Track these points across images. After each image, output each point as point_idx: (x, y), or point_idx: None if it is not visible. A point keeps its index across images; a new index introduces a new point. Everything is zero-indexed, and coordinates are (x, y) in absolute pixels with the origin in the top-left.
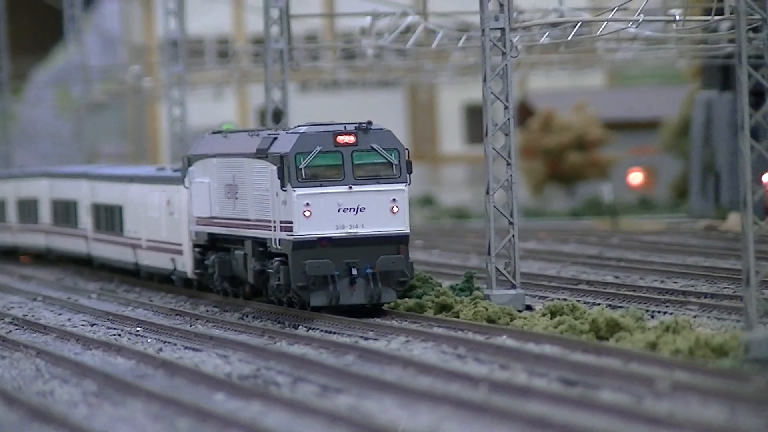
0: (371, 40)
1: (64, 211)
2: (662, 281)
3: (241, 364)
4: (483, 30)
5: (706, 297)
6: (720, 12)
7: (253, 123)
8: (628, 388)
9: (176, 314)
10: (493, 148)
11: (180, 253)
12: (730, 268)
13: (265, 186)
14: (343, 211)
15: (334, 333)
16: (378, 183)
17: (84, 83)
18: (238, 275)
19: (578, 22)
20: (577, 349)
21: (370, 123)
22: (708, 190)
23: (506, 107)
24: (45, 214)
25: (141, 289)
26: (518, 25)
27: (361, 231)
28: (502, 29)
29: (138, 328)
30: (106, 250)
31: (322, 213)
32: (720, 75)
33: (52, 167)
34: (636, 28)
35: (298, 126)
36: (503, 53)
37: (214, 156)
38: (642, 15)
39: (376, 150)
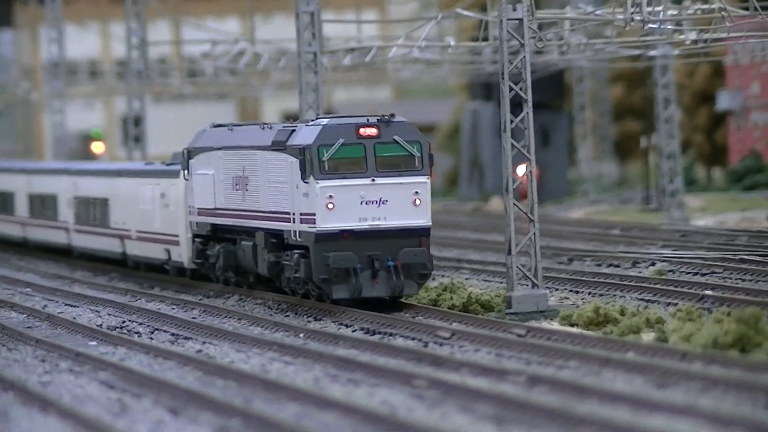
0: (210, 62)
1: (43, 205)
2: (440, 251)
3: (110, 317)
4: (299, 53)
5: (475, 263)
6: (485, 39)
7: (118, 128)
8: (416, 335)
9: (58, 278)
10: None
11: (176, 243)
12: (493, 240)
13: (282, 178)
14: (366, 203)
15: (182, 293)
16: (400, 175)
17: None
18: (245, 266)
19: (373, 47)
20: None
21: (392, 115)
22: (474, 179)
23: (318, 115)
24: (22, 207)
25: (30, 258)
26: (326, 50)
27: (384, 224)
28: (315, 53)
29: (27, 289)
30: (89, 241)
31: (345, 205)
32: (484, 89)
33: (30, 164)
34: (418, 52)
35: (318, 118)
36: (315, 72)
37: (219, 148)
38: (423, 42)
39: (398, 142)
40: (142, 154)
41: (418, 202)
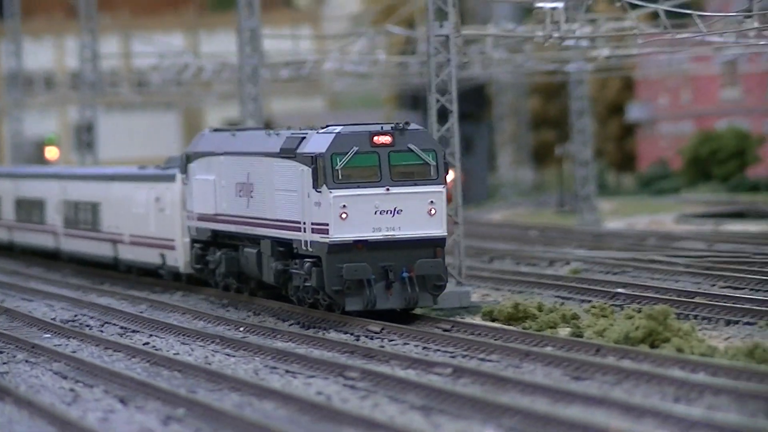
0: (157, 73)
1: (30, 209)
2: None
3: (63, 311)
4: (240, 66)
5: None
6: (413, 53)
7: (71, 135)
8: (348, 330)
9: (15, 274)
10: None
11: (172, 248)
12: None
13: (292, 186)
14: (380, 213)
15: (128, 289)
16: (416, 185)
17: None
18: (248, 273)
19: (308, 61)
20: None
21: (407, 123)
22: None
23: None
24: (8, 211)
25: None
26: (266, 64)
27: (399, 234)
28: (255, 66)
29: None
30: (79, 245)
31: (359, 215)
32: (411, 100)
33: (17, 169)
34: (351, 65)
35: (330, 126)
36: (255, 83)
37: (222, 154)
38: (356, 56)
39: (413, 151)
40: (94, 159)
41: (433, 211)
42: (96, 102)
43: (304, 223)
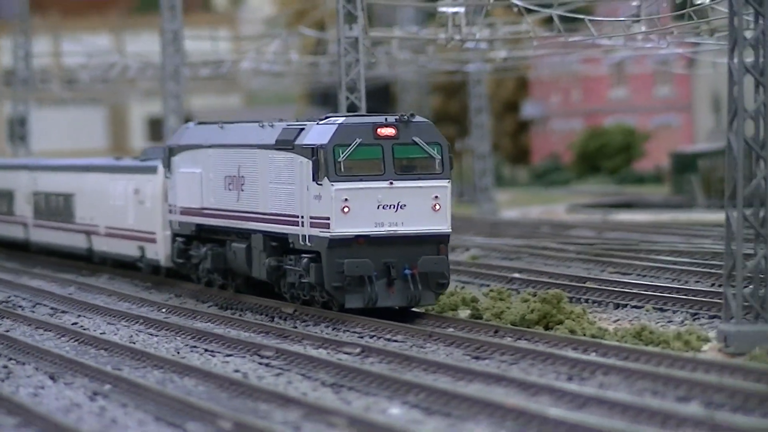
0: (86, 71)
1: None
2: None
3: None
4: (163, 65)
5: None
6: (323, 53)
7: (5, 128)
8: (263, 311)
9: None
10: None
11: (151, 241)
12: None
13: (289, 179)
14: (383, 207)
15: (58, 272)
16: (420, 179)
17: None
18: (236, 269)
19: (227, 61)
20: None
21: (412, 115)
22: None
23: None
24: None
25: None
26: (187, 63)
27: (402, 229)
28: (177, 65)
29: None
30: (51, 236)
31: (361, 209)
32: (322, 97)
33: None
34: (266, 65)
35: (330, 117)
36: (177, 81)
37: (209, 146)
38: (272, 56)
39: (417, 144)
40: (26, 150)
41: (437, 207)
42: (28, 98)
43: (302, 217)
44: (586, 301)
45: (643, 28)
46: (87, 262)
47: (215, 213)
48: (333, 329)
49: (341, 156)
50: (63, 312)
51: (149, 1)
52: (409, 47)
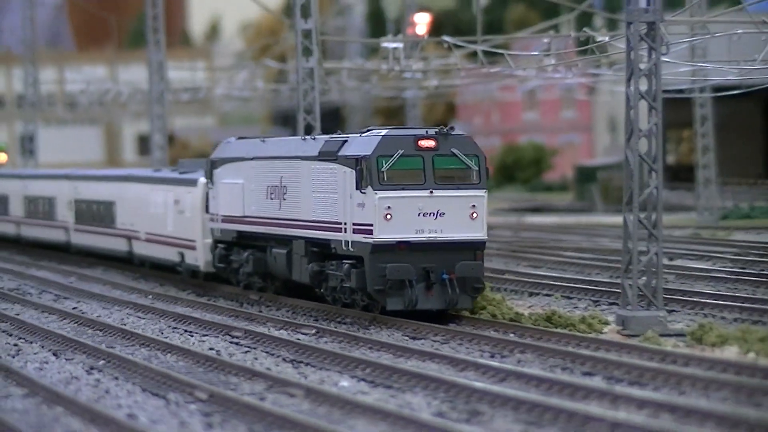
0: (85, 96)
1: (40, 206)
2: None
3: (9, 282)
4: (150, 91)
5: None
6: (284, 82)
7: (17, 144)
8: (234, 298)
9: None
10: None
11: (191, 248)
12: None
13: (332, 188)
14: (423, 215)
15: (61, 264)
16: (458, 188)
17: None
18: (276, 273)
19: (203, 87)
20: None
21: (452, 128)
22: None
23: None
24: (17, 208)
25: None
26: (170, 89)
27: (440, 236)
28: (161, 91)
29: None
30: (92, 239)
31: (403, 217)
32: (282, 118)
33: (27, 170)
34: (236, 91)
35: (372, 129)
36: (162, 105)
37: (251, 159)
38: (241, 83)
39: (456, 155)
40: (35, 162)
41: (475, 215)
42: (36, 118)
43: (345, 224)
44: (505, 290)
45: (553, 61)
46: (127, 263)
47: (256, 220)
48: (292, 313)
49: (384, 166)
50: (65, 298)
51: (138, 38)
52: (356, 76)
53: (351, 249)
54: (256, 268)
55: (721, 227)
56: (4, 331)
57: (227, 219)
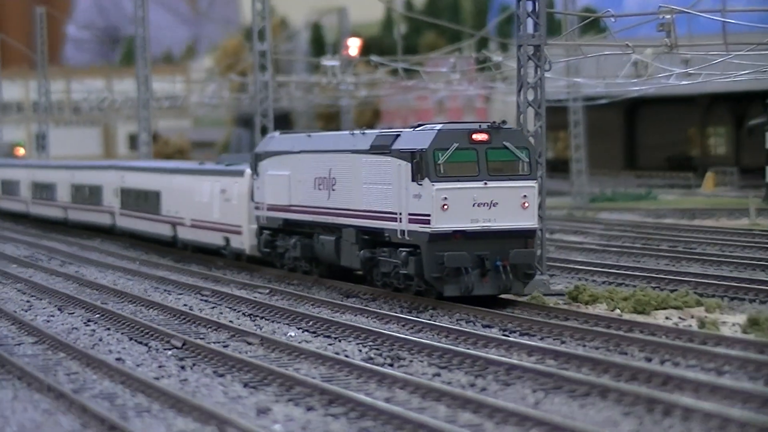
0: (87, 103)
1: (87, 193)
2: None
3: (24, 249)
4: (139, 98)
5: None
6: (246, 92)
7: (33, 140)
8: (204, 264)
9: None
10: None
11: (237, 233)
12: None
13: (384, 179)
14: (478, 205)
15: (66, 236)
16: (510, 179)
17: None
18: (323, 257)
19: (181, 96)
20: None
21: (504, 122)
22: None
23: (148, 134)
24: (64, 194)
25: None
26: (155, 97)
27: (494, 225)
28: (147, 99)
29: None
30: (136, 224)
31: (458, 207)
32: (244, 121)
33: (73, 162)
34: (207, 99)
35: (424, 124)
36: (147, 110)
37: (298, 152)
38: (211, 93)
39: (508, 148)
40: (47, 155)
41: (526, 205)
42: (48, 121)
43: (400, 214)
44: None
45: (457, 77)
46: (171, 247)
47: (304, 209)
48: (250, 277)
49: (440, 159)
50: (69, 264)
51: (129, 57)
52: (302, 88)
53: (407, 238)
54: (303, 253)
55: (590, 208)
56: (18, 290)
57: (273, 207)
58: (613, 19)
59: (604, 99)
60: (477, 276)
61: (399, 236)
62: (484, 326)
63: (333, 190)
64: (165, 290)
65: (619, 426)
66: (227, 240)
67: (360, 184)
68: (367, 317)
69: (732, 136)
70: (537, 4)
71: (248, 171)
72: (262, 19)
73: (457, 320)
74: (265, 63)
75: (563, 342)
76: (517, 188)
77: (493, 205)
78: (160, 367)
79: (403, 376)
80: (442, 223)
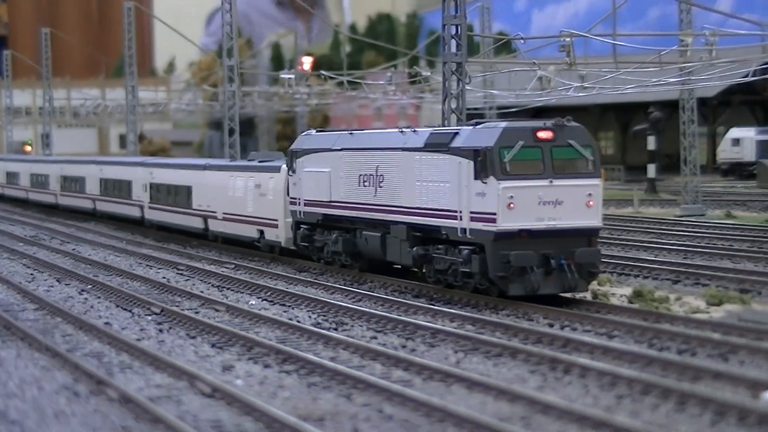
0: (84, 109)
1: (117, 187)
2: None
3: (29, 230)
4: (127, 104)
5: None
6: (217, 100)
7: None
8: (181, 244)
9: (5, 211)
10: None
11: (273, 226)
12: None
13: (441, 177)
14: (543, 204)
15: (67, 220)
16: (575, 177)
17: None
18: (366, 252)
19: (162, 103)
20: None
21: (568, 119)
22: None
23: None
24: (93, 187)
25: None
26: (141, 104)
27: (559, 224)
28: (134, 105)
29: None
30: (166, 216)
31: (524, 205)
32: (216, 124)
33: (102, 158)
34: (185, 105)
35: (482, 123)
36: (134, 115)
37: (339, 150)
38: (188, 101)
39: (572, 146)
40: (51, 152)
41: (591, 203)
42: (51, 123)
43: (461, 212)
44: None
45: (393, 88)
46: (203, 239)
47: (346, 205)
48: (219, 254)
49: (506, 157)
50: (67, 242)
51: (120, 70)
52: (264, 97)
53: (468, 236)
54: (345, 248)
55: None
56: (24, 264)
57: (310, 203)
58: (522, 41)
59: (515, 108)
60: (541, 275)
61: (459, 234)
62: (413, 296)
63: (380, 186)
64: (147, 265)
65: (527, 382)
66: (261, 233)
67: (412, 182)
68: (316, 289)
69: (619, 140)
70: (459, 28)
71: (284, 167)
72: (230, 40)
73: (391, 291)
74: (233, 76)
75: (479, 310)
76: (582, 186)
77: (558, 204)
78: (141, 330)
79: (346, 339)
80: (508, 222)
